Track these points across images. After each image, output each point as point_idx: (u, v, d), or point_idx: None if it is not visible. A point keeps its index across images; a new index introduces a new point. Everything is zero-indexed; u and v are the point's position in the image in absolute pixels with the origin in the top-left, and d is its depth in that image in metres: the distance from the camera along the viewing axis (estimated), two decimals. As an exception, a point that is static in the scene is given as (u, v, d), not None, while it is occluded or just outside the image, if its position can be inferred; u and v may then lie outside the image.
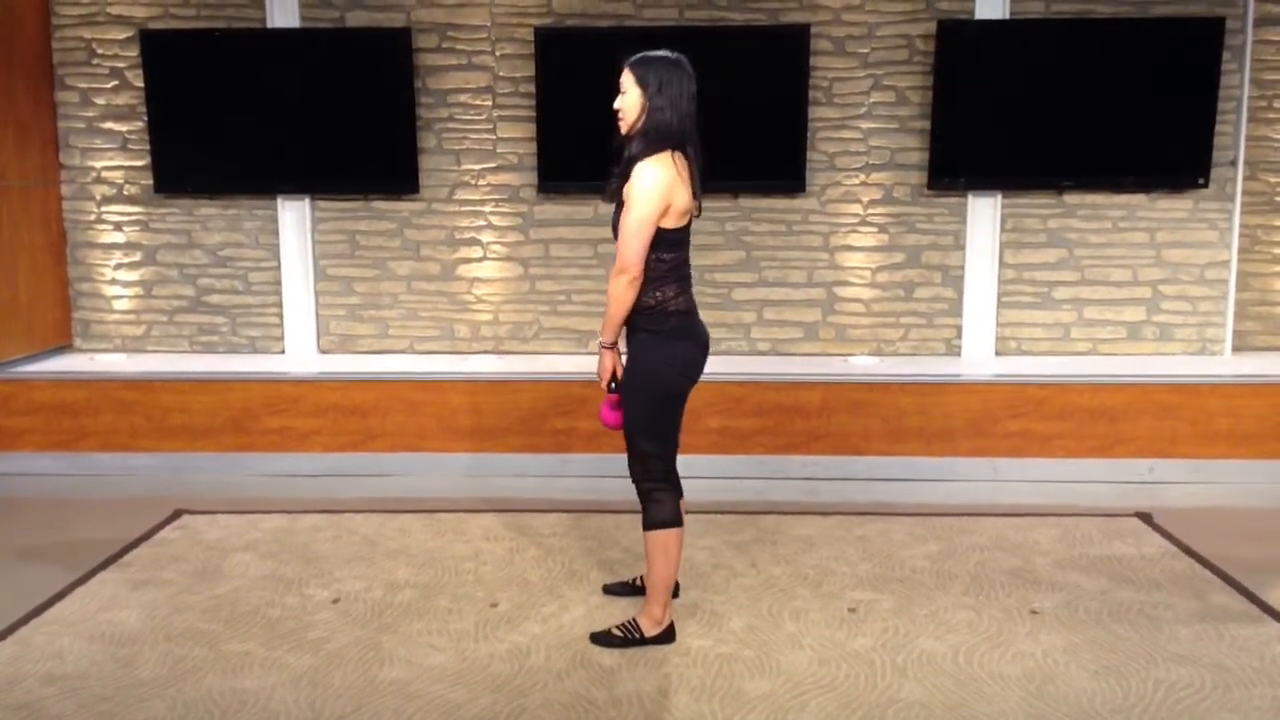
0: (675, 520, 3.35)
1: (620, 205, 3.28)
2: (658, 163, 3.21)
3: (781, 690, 3.04)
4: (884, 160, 5.47)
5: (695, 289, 3.44)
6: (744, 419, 4.84)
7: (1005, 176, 5.41)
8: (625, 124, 3.29)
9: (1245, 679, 3.09)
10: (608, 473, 4.76)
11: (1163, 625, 3.45)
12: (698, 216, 3.40)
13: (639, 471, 3.36)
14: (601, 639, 3.36)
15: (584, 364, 5.16)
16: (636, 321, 3.30)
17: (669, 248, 3.27)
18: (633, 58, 3.29)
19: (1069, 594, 3.72)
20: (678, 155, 3.26)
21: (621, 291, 3.23)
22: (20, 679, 3.11)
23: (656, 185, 3.18)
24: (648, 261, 3.23)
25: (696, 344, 3.36)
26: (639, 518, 4.37)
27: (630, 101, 3.26)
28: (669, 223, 3.24)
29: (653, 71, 3.23)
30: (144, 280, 5.70)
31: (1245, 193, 5.47)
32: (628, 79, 3.27)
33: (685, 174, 3.26)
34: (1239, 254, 5.49)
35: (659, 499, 3.35)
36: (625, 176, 3.26)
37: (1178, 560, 4.04)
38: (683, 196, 3.24)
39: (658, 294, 3.28)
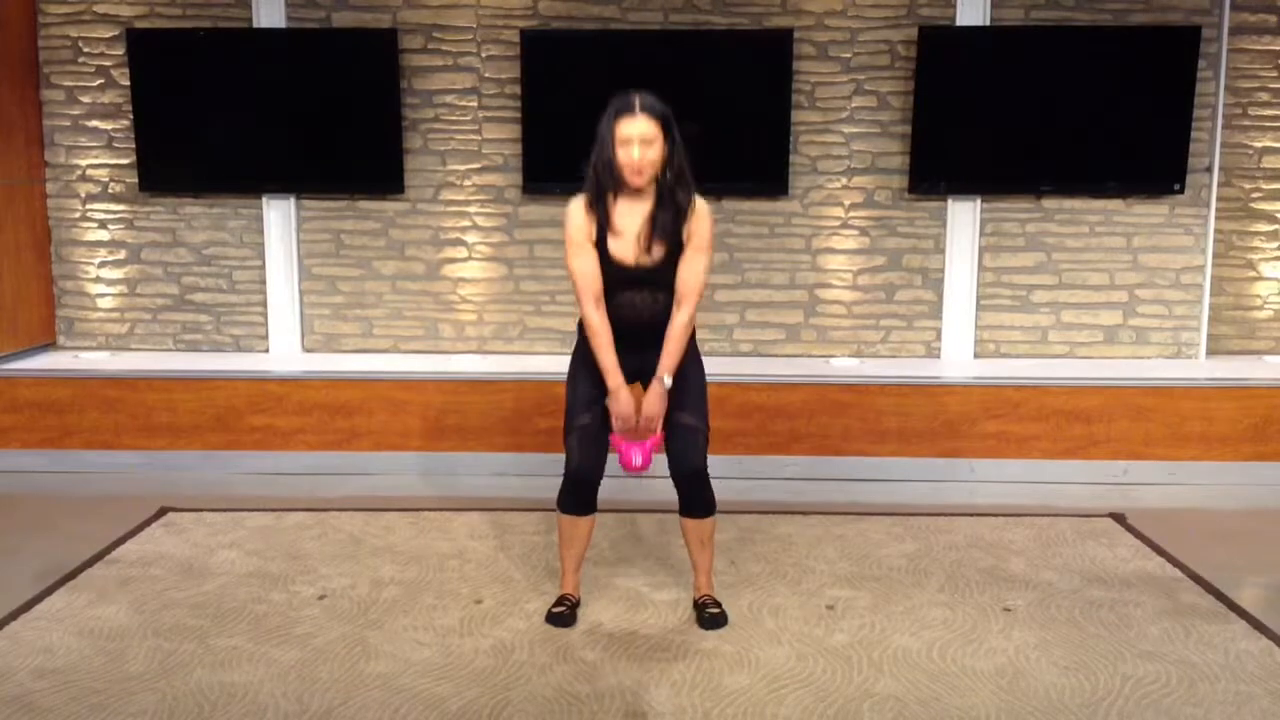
0: None
1: (654, 235, 3.28)
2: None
3: (760, 685, 3.10)
4: (866, 164, 5.54)
5: None
6: (726, 420, 4.89)
7: (985, 181, 5.49)
8: (649, 173, 3.24)
9: (1209, 674, 3.17)
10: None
11: (1132, 623, 3.53)
12: None
13: (704, 455, 3.45)
14: (720, 619, 3.50)
15: (567, 365, 5.19)
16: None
17: None
18: (647, 104, 3.21)
19: (1042, 592, 3.79)
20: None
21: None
22: (11, 673, 3.14)
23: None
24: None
25: None
26: (620, 517, 4.48)
27: (658, 150, 3.22)
28: None
29: (671, 120, 3.25)
30: (128, 278, 5.72)
31: (1220, 198, 5.55)
32: (652, 128, 3.19)
33: None
34: (1213, 259, 5.58)
35: None
36: (674, 215, 3.27)
37: (1149, 560, 4.11)
38: None
39: None
